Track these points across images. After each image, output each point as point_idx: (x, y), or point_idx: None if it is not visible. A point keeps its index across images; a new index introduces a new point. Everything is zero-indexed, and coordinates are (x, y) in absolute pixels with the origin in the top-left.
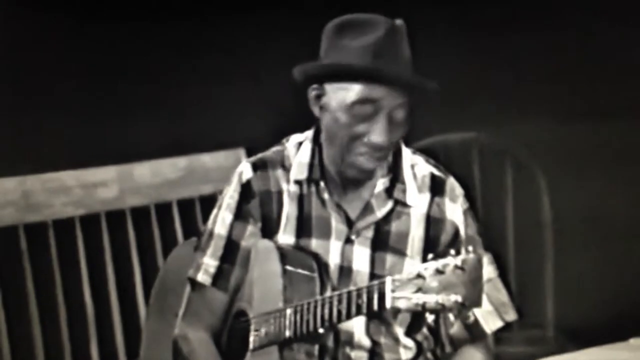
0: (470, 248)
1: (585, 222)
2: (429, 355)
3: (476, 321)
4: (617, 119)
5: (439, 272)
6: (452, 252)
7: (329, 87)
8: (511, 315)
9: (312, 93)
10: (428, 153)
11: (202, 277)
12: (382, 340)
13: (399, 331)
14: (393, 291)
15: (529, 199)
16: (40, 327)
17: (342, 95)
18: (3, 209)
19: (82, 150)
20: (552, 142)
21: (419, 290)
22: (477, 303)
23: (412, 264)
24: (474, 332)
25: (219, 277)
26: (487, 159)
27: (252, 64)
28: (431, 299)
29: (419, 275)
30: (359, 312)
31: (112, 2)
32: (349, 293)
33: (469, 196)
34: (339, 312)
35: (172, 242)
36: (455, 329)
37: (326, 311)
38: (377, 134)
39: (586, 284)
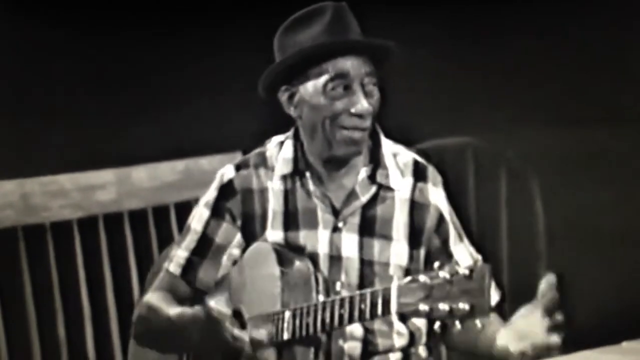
0: (479, 257)
1: (578, 227)
2: (421, 349)
3: None
4: (611, 125)
5: (448, 282)
6: (460, 263)
7: (299, 82)
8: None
9: (284, 96)
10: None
11: (173, 268)
12: (376, 326)
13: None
14: (399, 297)
15: (522, 204)
16: (38, 328)
17: (313, 81)
18: (2, 211)
19: (80, 154)
20: (546, 147)
21: (427, 297)
22: (485, 312)
23: (399, 248)
24: None
25: (188, 269)
26: (481, 164)
27: (249, 68)
28: (438, 307)
29: (427, 284)
30: (361, 317)
31: (110, 8)
32: (352, 298)
33: (447, 188)
34: (341, 316)
35: (169, 245)
36: None
37: (327, 315)
38: (357, 102)
39: (579, 287)
